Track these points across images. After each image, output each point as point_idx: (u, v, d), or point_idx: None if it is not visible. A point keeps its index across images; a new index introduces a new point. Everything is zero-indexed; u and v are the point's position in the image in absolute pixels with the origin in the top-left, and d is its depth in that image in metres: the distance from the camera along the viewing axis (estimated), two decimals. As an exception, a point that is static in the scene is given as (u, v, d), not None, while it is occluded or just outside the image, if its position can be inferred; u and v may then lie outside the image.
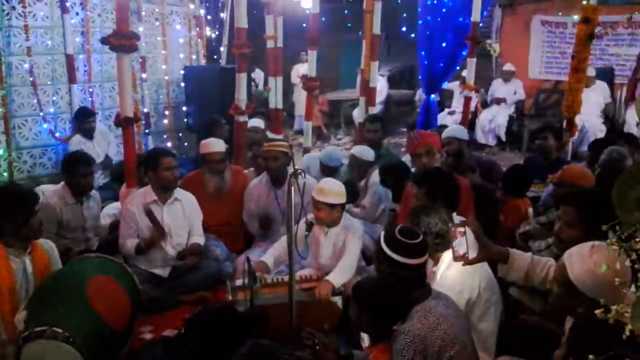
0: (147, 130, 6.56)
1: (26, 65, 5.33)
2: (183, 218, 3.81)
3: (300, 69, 9.41)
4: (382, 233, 2.37)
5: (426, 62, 6.84)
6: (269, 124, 6.19)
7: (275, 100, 6.26)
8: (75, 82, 5.68)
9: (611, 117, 7.87)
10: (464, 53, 6.32)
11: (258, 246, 4.01)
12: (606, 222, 1.29)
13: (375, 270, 2.50)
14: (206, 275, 3.75)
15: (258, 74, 9.92)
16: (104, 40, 3.68)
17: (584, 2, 4.89)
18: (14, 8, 5.20)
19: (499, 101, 8.36)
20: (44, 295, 2.63)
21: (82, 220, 3.89)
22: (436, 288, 2.34)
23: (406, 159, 4.47)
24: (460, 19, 6.31)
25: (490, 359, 2.43)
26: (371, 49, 5.93)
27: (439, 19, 6.52)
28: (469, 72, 6.09)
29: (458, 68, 7.07)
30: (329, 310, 3.12)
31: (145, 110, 6.50)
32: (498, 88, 8.55)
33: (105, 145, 5.67)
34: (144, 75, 6.49)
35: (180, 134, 7.07)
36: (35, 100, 5.42)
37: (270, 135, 5.47)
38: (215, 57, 8.24)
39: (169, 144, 6.78)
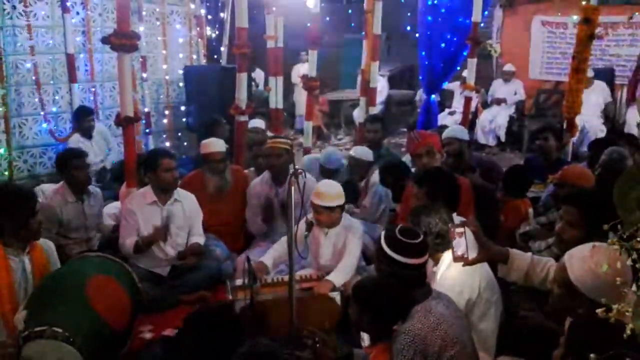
0: (147, 130, 6.56)
1: (28, 65, 5.34)
2: (183, 218, 3.81)
3: (301, 69, 9.41)
4: (383, 233, 2.37)
5: (427, 63, 6.84)
6: (270, 124, 6.19)
7: (276, 100, 6.26)
8: (76, 81, 5.69)
9: (611, 118, 7.87)
10: (465, 53, 6.32)
11: (258, 246, 4.01)
12: (608, 222, 1.29)
13: (375, 269, 2.50)
14: (206, 274, 3.75)
15: (258, 74, 9.92)
16: (105, 40, 3.68)
17: (584, 3, 4.89)
18: (14, 7, 5.21)
19: (499, 101, 8.36)
20: (44, 294, 2.62)
21: (84, 219, 3.89)
22: (436, 288, 2.34)
23: (406, 159, 4.47)
24: (461, 19, 6.32)
25: (491, 359, 2.43)
26: (372, 49, 5.93)
27: (439, 19, 6.52)
28: (469, 73, 6.10)
29: (458, 68, 7.07)
30: (329, 309, 3.12)
31: (146, 109, 6.50)
32: (498, 88, 8.55)
33: (104, 145, 5.67)
34: (144, 75, 6.49)
35: (181, 134, 7.07)
36: (36, 100, 5.43)
37: (270, 135, 5.47)
38: (215, 56, 8.24)
39: (169, 144, 6.79)
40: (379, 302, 2.12)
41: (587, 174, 3.44)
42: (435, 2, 6.50)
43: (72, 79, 5.65)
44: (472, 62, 6.02)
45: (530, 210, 3.74)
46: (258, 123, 5.48)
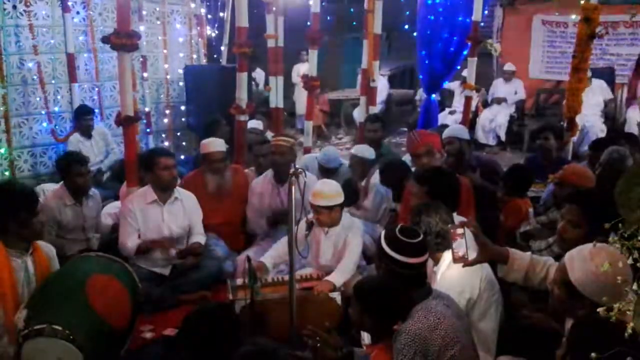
0: (147, 130, 6.56)
1: (29, 65, 5.34)
2: (183, 217, 3.81)
3: (301, 69, 9.41)
4: (383, 232, 2.38)
5: (427, 62, 6.84)
6: (270, 123, 6.19)
7: (276, 100, 6.26)
8: (76, 81, 5.69)
9: (612, 117, 7.87)
10: (465, 52, 6.32)
11: (258, 245, 4.01)
12: (609, 221, 1.29)
13: (375, 269, 2.50)
14: (207, 274, 3.75)
15: (259, 74, 9.92)
16: (105, 39, 3.68)
17: (584, 2, 4.89)
18: (15, 7, 5.21)
19: (499, 101, 8.35)
20: (44, 294, 2.63)
21: (82, 220, 3.89)
22: (437, 288, 2.34)
23: (406, 158, 4.47)
24: (461, 19, 6.31)
25: (491, 359, 2.43)
26: (372, 48, 5.93)
27: (440, 19, 6.51)
28: (469, 72, 6.09)
29: (459, 68, 7.06)
30: (329, 309, 3.12)
31: (146, 109, 6.50)
32: (499, 88, 8.55)
33: (103, 146, 5.66)
34: (144, 75, 6.49)
35: (181, 134, 7.07)
36: (37, 99, 5.44)
37: (270, 135, 5.48)
38: (215, 56, 8.24)
39: (169, 143, 6.79)
40: (380, 301, 2.13)
41: (588, 173, 3.43)
42: (437, 0, 6.49)
43: (73, 78, 5.65)
44: (473, 62, 6.02)
45: (531, 209, 3.74)
46: (256, 124, 5.49)
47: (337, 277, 3.23)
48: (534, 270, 2.26)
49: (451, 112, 8.26)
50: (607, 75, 7.96)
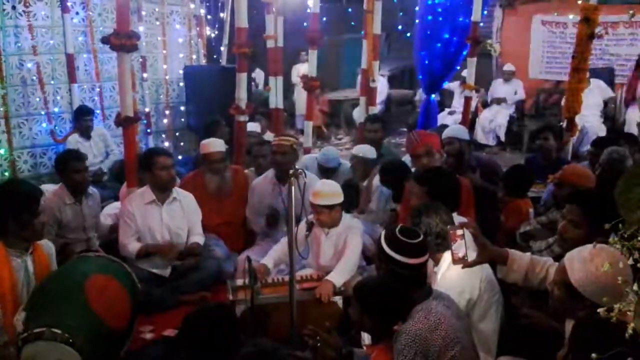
0: (148, 130, 6.56)
1: (28, 65, 5.34)
2: (182, 217, 3.81)
3: (301, 69, 9.41)
4: (383, 233, 2.38)
5: (426, 62, 6.83)
6: (270, 124, 6.19)
7: (276, 100, 6.26)
8: (76, 81, 5.69)
9: (611, 117, 7.87)
10: (465, 53, 6.32)
11: (259, 245, 4.01)
12: (610, 221, 1.29)
13: (375, 269, 2.50)
14: (207, 275, 3.75)
15: (258, 74, 9.92)
16: (105, 40, 3.68)
17: (580, 2, 4.89)
18: (14, 7, 5.21)
19: (499, 101, 8.36)
20: (43, 295, 2.62)
21: (82, 220, 3.88)
22: (437, 288, 2.34)
23: (406, 159, 4.46)
24: (461, 19, 6.31)
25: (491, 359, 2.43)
26: (372, 48, 5.93)
27: (440, 19, 6.51)
28: (469, 72, 6.09)
29: (458, 68, 7.06)
30: (330, 310, 3.12)
31: (146, 109, 6.50)
32: (498, 88, 8.55)
33: (103, 147, 5.66)
34: (144, 75, 6.49)
35: (181, 134, 7.07)
36: (37, 99, 5.44)
37: (270, 135, 5.48)
38: (215, 56, 8.23)
39: (168, 144, 6.78)
40: (380, 302, 2.13)
41: (587, 173, 3.43)
42: (436, 1, 6.49)
43: (72, 79, 5.65)
44: (472, 62, 6.02)
45: (531, 210, 3.73)
46: (253, 127, 5.49)
47: (337, 277, 3.22)
48: (534, 270, 2.26)
49: (451, 113, 8.26)
50: (607, 75, 7.96)
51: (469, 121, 6.66)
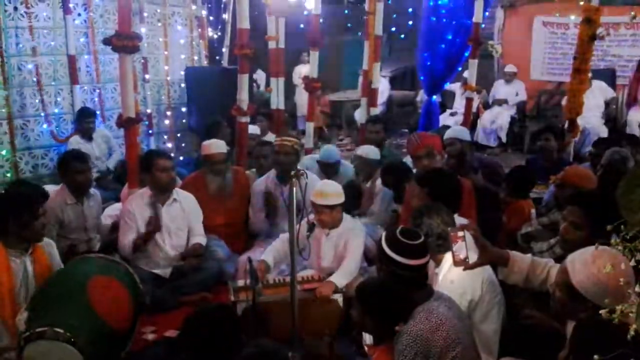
0: (149, 131, 6.57)
1: (30, 66, 5.35)
2: (182, 218, 3.82)
3: (302, 70, 9.41)
4: (384, 234, 2.38)
5: (429, 63, 6.84)
6: (271, 125, 6.19)
7: (277, 101, 6.27)
8: (78, 82, 5.69)
9: (612, 118, 7.86)
10: (466, 54, 6.32)
11: (260, 246, 4.01)
12: (612, 223, 1.28)
13: (377, 271, 2.50)
14: (208, 275, 3.75)
15: (260, 75, 9.92)
16: (106, 41, 3.69)
17: (582, 3, 4.89)
18: (16, 9, 5.22)
19: (500, 102, 8.35)
20: (46, 295, 2.63)
21: (83, 220, 3.88)
22: (438, 289, 2.34)
23: (408, 160, 4.46)
24: (462, 20, 6.32)
25: (493, 361, 2.43)
26: (373, 50, 5.93)
27: (444, 20, 6.52)
28: (470, 73, 6.10)
29: (460, 69, 7.06)
30: (330, 311, 3.12)
31: (147, 111, 6.51)
32: (500, 89, 8.54)
33: (105, 148, 5.67)
34: (146, 76, 6.50)
35: (182, 135, 7.07)
36: (37, 101, 5.44)
37: (271, 136, 5.48)
38: (217, 58, 8.24)
39: (170, 145, 6.79)
40: (381, 303, 2.13)
41: (589, 174, 3.43)
42: (439, 2, 6.50)
43: (74, 80, 5.66)
44: (474, 63, 6.02)
45: (533, 211, 3.73)
46: (252, 129, 5.49)
47: (339, 278, 3.23)
48: (535, 272, 2.26)
49: (452, 114, 8.25)
50: (608, 76, 7.95)
51: (471, 122, 6.66)
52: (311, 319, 2.98)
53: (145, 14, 6.42)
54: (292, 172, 2.54)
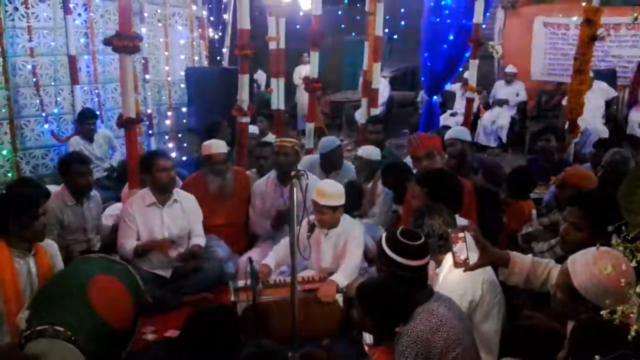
0: (150, 132, 6.57)
1: (30, 66, 5.36)
2: (183, 219, 3.81)
3: (303, 70, 9.41)
4: (384, 234, 2.38)
5: (429, 64, 6.84)
6: (271, 125, 6.20)
7: (278, 102, 6.27)
8: (78, 83, 5.70)
9: (613, 119, 7.86)
10: (467, 55, 6.32)
11: (260, 247, 4.01)
12: (612, 223, 1.28)
13: (377, 271, 2.50)
14: (208, 276, 3.75)
15: (260, 75, 9.93)
16: (107, 42, 3.69)
17: (586, 4, 4.89)
18: (16, 9, 5.22)
19: (501, 103, 8.35)
20: (47, 295, 2.63)
21: (83, 221, 3.89)
22: (439, 290, 2.34)
23: (408, 160, 4.46)
24: (463, 21, 6.32)
25: (493, 361, 2.43)
26: (373, 50, 5.93)
27: (448, 21, 6.52)
28: (471, 74, 6.10)
29: (460, 70, 7.06)
30: (331, 311, 3.11)
31: (148, 111, 6.51)
32: (500, 89, 8.54)
33: (107, 149, 5.68)
34: (146, 77, 6.50)
35: (183, 135, 7.08)
36: (37, 101, 5.45)
37: (270, 137, 5.48)
38: (217, 58, 8.25)
39: (171, 145, 6.79)
40: (382, 303, 2.13)
41: (590, 175, 3.43)
42: (442, 3, 6.50)
43: (74, 80, 5.66)
44: (474, 64, 6.02)
45: (534, 211, 3.73)
46: (252, 129, 5.49)
47: (340, 278, 3.24)
48: (535, 273, 2.25)
49: (452, 114, 8.25)
50: (609, 77, 7.94)
51: (471, 123, 6.66)
52: (311, 319, 2.98)
53: (146, 15, 6.42)
54: (293, 173, 2.54)
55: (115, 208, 4.34)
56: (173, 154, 5.22)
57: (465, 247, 2.20)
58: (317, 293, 3.13)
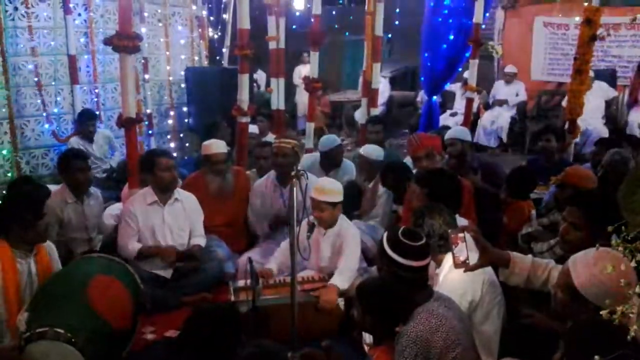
0: (150, 131, 6.57)
1: (30, 66, 5.35)
2: (184, 218, 3.81)
3: (303, 70, 9.42)
4: (385, 234, 2.37)
5: (429, 64, 6.84)
6: (271, 125, 6.20)
7: (278, 102, 6.27)
8: (78, 82, 5.70)
9: (613, 119, 7.86)
10: (467, 55, 6.32)
11: (260, 247, 4.01)
12: (612, 223, 1.28)
13: (377, 271, 2.50)
14: (208, 276, 3.75)
15: (260, 75, 9.93)
16: (107, 41, 3.69)
17: (586, 4, 4.89)
18: (16, 9, 5.22)
19: (501, 103, 8.35)
20: (46, 295, 2.63)
21: (84, 219, 3.89)
22: (439, 290, 2.34)
23: (408, 160, 4.46)
24: (464, 21, 6.32)
25: (493, 361, 2.43)
26: (373, 50, 5.93)
27: (450, 21, 6.52)
28: (471, 74, 6.10)
29: (460, 70, 7.06)
30: (331, 311, 3.11)
31: (148, 111, 6.51)
32: (500, 89, 8.54)
33: (107, 149, 5.68)
34: (146, 76, 6.50)
35: (183, 135, 7.08)
36: (38, 101, 5.44)
37: (270, 137, 5.48)
38: (217, 58, 8.25)
39: (171, 145, 6.80)
40: (382, 303, 2.13)
41: (590, 175, 3.43)
42: (444, 2, 6.50)
43: (74, 80, 5.66)
44: (474, 64, 6.02)
45: (534, 211, 3.73)
46: (251, 128, 5.49)
47: (340, 280, 3.23)
48: (536, 273, 2.25)
49: (452, 114, 8.25)
50: (609, 77, 7.95)
51: (471, 123, 6.66)
52: (311, 320, 2.98)
53: (146, 14, 6.42)
54: (293, 173, 2.54)
55: (115, 208, 4.33)
56: (174, 154, 5.21)
57: (465, 247, 2.20)
58: (318, 300, 3.12)
